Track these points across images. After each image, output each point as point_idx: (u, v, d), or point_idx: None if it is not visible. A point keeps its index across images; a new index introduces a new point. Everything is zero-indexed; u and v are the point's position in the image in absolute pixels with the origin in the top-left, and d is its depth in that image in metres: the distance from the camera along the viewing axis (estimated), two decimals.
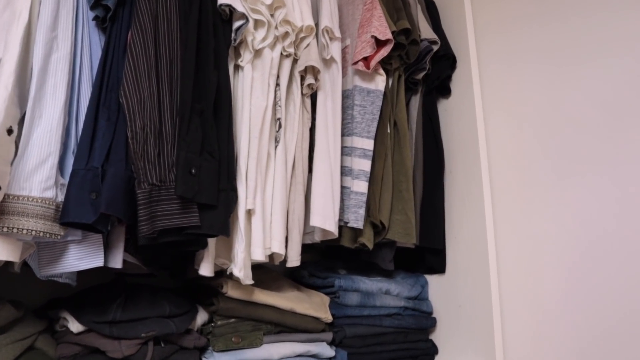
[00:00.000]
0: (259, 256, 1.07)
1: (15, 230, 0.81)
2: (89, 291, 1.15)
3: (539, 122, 1.23)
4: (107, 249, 0.95)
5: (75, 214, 0.84)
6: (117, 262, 0.94)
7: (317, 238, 1.27)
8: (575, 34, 1.16)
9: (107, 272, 1.22)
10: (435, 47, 1.33)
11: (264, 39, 1.13)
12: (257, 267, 1.40)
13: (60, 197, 0.87)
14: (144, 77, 0.92)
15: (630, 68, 1.04)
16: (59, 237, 0.86)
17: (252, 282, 1.09)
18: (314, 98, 1.24)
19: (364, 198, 1.23)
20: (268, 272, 1.40)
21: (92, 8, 0.96)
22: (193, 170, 0.93)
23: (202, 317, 1.16)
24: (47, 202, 0.85)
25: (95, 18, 0.97)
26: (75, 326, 1.02)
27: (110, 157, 0.89)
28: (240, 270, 1.04)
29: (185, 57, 0.98)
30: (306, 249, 1.44)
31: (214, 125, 1.01)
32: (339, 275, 1.34)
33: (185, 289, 1.34)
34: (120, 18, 0.98)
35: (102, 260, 0.92)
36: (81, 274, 1.11)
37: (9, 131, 0.83)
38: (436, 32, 1.35)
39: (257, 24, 1.13)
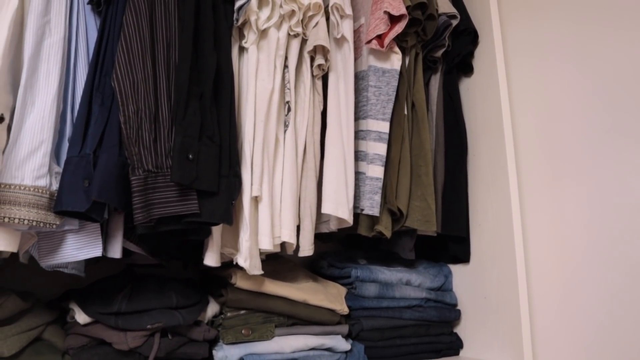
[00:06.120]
0: (267, 245, 1.02)
1: (7, 220, 0.79)
2: (99, 282, 1.13)
3: (568, 99, 1.13)
4: (107, 238, 0.92)
5: (68, 202, 0.82)
6: (116, 252, 0.92)
7: (333, 227, 1.21)
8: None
9: (122, 263, 1.21)
10: (455, 22, 1.24)
11: (268, 19, 1.08)
12: (273, 257, 1.36)
13: (55, 186, 0.85)
14: (138, 60, 0.88)
15: None
16: (54, 226, 0.84)
17: (260, 272, 1.04)
18: (326, 80, 1.19)
19: (380, 184, 1.16)
20: (285, 263, 1.35)
21: None
22: (190, 156, 0.89)
23: (213, 308, 1.12)
24: (40, 190, 0.83)
25: (90, 2, 0.95)
26: (82, 317, 1.01)
27: (103, 143, 0.86)
28: (246, 259, 1.00)
29: (181, 40, 0.94)
30: (326, 238, 1.38)
31: (215, 109, 0.97)
32: (357, 265, 1.28)
33: (201, 279, 1.31)
34: (115, 1, 0.95)
35: (101, 250, 0.89)
36: (96, 264, 1.10)
37: (0, 119, 0.81)
38: (455, 6, 1.26)
39: (261, 2, 1.08)
